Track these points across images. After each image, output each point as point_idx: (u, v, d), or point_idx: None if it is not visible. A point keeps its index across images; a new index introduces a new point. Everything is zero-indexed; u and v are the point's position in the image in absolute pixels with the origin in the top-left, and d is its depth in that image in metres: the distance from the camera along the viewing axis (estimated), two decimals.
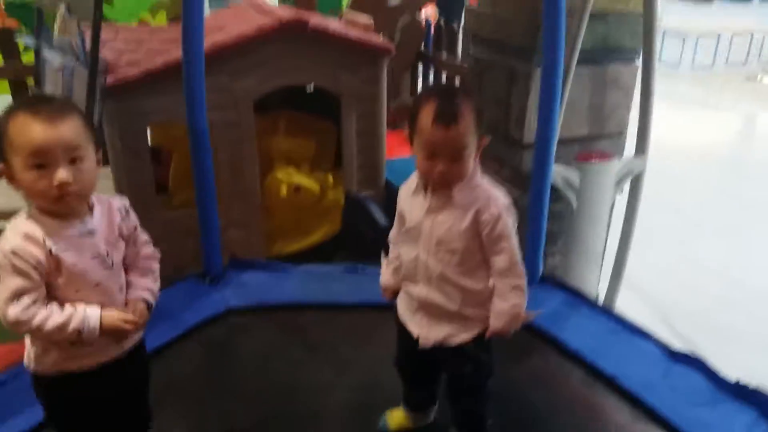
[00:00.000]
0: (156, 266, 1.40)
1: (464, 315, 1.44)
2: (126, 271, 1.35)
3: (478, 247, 1.39)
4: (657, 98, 2.52)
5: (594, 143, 2.64)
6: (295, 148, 2.83)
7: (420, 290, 1.46)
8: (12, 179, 1.17)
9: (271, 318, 2.21)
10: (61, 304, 1.20)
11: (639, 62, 2.54)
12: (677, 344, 2.04)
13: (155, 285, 1.38)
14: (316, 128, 3.01)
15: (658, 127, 2.62)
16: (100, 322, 1.22)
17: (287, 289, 2.35)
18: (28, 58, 3.43)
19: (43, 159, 1.14)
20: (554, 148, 2.20)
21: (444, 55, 4.02)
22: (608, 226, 2.63)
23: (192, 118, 2.14)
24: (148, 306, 1.34)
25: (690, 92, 7.55)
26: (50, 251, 1.17)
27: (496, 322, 1.42)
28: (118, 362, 1.33)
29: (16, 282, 1.15)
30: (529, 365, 2.00)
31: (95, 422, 1.34)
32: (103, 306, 1.24)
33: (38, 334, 1.19)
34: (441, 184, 1.38)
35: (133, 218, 1.36)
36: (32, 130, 1.13)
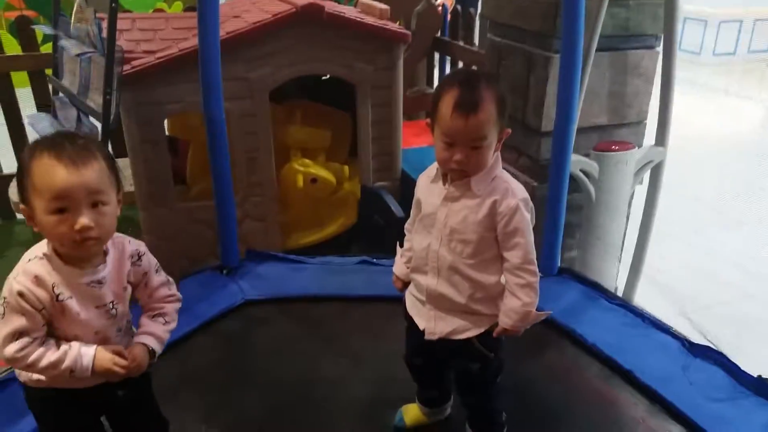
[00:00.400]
0: (170, 308, 1.35)
1: (472, 309, 1.42)
2: (142, 308, 1.35)
3: (492, 240, 1.37)
4: (677, 86, 2.48)
5: (614, 132, 2.61)
6: (311, 138, 2.82)
7: (429, 281, 1.44)
8: (32, 219, 1.16)
9: (287, 310, 2.22)
10: (58, 340, 1.20)
11: (660, 48, 2.49)
12: (696, 338, 2.02)
13: (164, 329, 1.32)
14: (332, 118, 2.99)
15: (679, 116, 2.57)
16: (93, 363, 1.19)
17: (303, 281, 2.36)
18: (45, 49, 3.45)
19: (65, 203, 1.12)
20: (573, 136, 2.17)
21: (461, 41, 3.97)
22: (627, 217, 2.60)
23: (208, 108, 2.14)
24: (152, 352, 1.29)
25: (711, 80, 7.41)
26: (57, 297, 1.17)
27: (505, 320, 1.39)
28: (115, 383, 1.28)
29: (18, 322, 1.15)
30: (545, 358, 1.99)
31: None
32: (81, 338, 1.22)
33: (32, 370, 1.19)
34: (459, 174, 1.36)
35: (146, 263, 1.31)
36: (55, 174, 1.11)
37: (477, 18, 3.92)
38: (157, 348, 1.30)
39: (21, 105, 3.51)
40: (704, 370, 1.86)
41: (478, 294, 1.41)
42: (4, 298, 1.16)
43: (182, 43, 2.44)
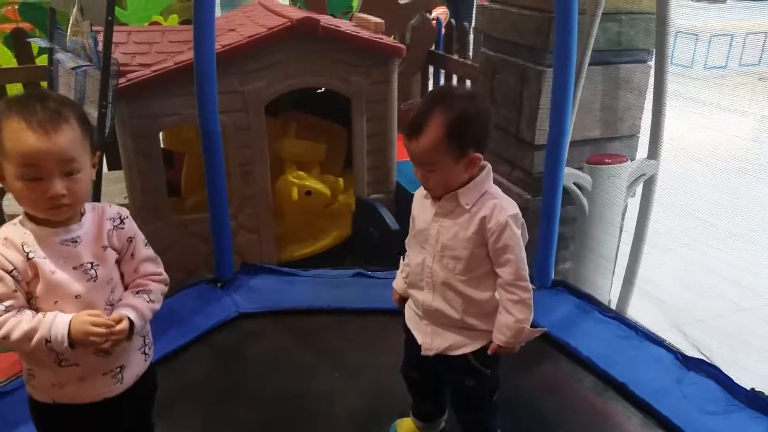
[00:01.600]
0: (156, 287, 1.27)
1: (468, 324, 1.42)
2: (126, 286, 1.26)
3: (484, 256, 1.37)
4: (669, 100, 2.50)
5: (606, 145, 2.62)
6: (306, 151, 2.83)
7: (425, 296, 1.45)
8: (3, 180, 1.11)
9: (281, 323, 2.21)
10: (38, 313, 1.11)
11: (652, 63, 2.51)
12: (690, 351, 2.02)
13: (147, 306, 1.22)
14: (327, 131, 3.00)
15: (671, 129, 2.59)
16: (69, 330, 1.09)
17: (297, 293, 2.35)
18: (41, 62, 3.45)
19: (35, 171, 1.07)
20: (566, 149, 2.19)
21: (455, 55, 4.00)
22: (620, 229, 2.61)
23: (204, 121, 2.14)
24: (131, 324, 1.17)
25: (702, 93, 7.46)
26: (28, 256, 1.10)
27: (499, 336, 1.39)
28: (119, 399, 1.22)
29: None
30: (539, 371, 1.99)
31: None
32: (60, 308, 1.13)
33: (7, 344, 1.09)
34: (428, 190, 1.39)
35: (130, 228, 1.25)
36: (25, 140, 1.06)
37: (471, 32, 3.95)
38: (137, 321, 1.18)
39: None
40: (698, 383, 1.86)
41: (472, 309, 1.41)
42: None
43: (178, 56, 2.45)
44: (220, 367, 2.01)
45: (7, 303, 1.09)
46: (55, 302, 1.13)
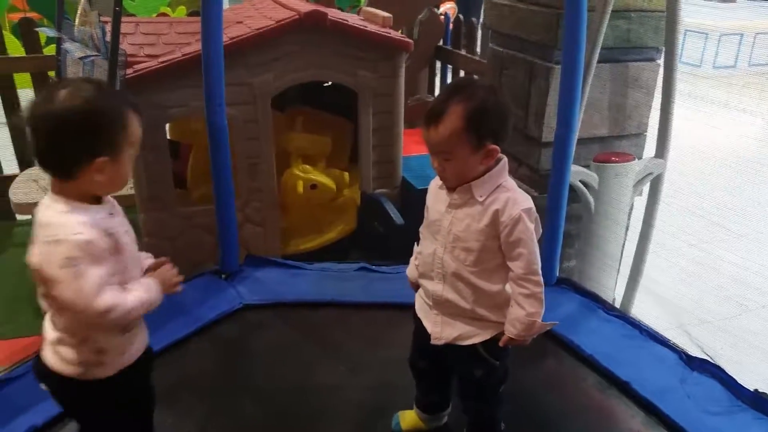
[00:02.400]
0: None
1: (478, 315, 1.42)
2: None
3: (496, 248, 1.37)
4: (677, 98, 2.48)
5: (614, 143, 2.61)
6: (312, 144, 2.83)
7: (435, 287, 1.45)
8: (100, 173, 1.17)
9: (285, 315, 2.22)
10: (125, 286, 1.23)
11: (661, 61, 2.50)
12: (694, 351, 2.02)
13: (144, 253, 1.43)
14: (333, 125, 3.00)
15: (678, 128, 2.58)
16: (157, 286, 1.27)
17: (302, 287, 2.36)
18: (48, 52, 3.46)
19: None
20: (573, 147, 2.18)
21: (463, 50, 3.99)
22: (626, 228, 2.60)
23: (211, 113, 2.14)
24: None
25: (711, 92, 7.42)
26: (107, 232, 1.19)
27: (511, 329, 1.39)
28: (148, 349, 1.38)
29: (99, 271, 1.15)
30: (543, 369, 1.99)
31: (141, 407, 1.41)
32: (135, 276, 1.27)
33: (123, 320, 1.20)
34: (443, 180, 1.40)
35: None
36: (140, 128, 1.24)
37: (479, 28, 3.94)
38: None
39: (22, 106, 3.51)
40: (702, 384, 1.86)
41: (482, 301, 1.41)
42: (69, 258, 1.12)
43: (185, 47, 2.45)
44: (224, 359, 2.02)
45: (112, 281, 1.18)
46: (126, 267, 1.24)
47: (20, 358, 1.90)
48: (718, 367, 1.89)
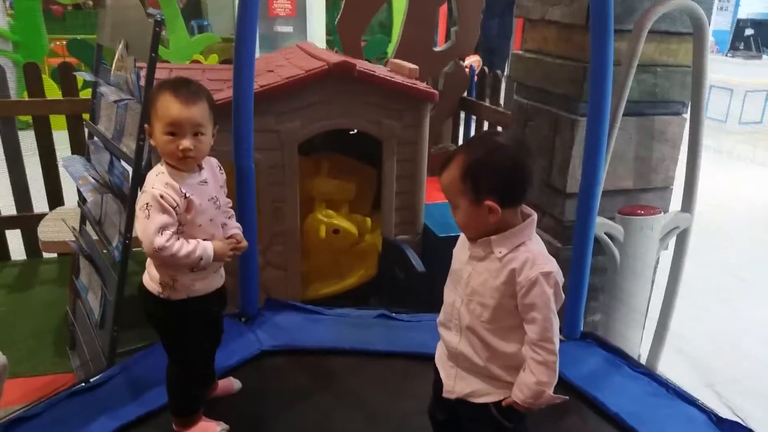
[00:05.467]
0: (232, 212, 1.79)
1: (492, 374, 1.38)
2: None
3: (513, 308, 1.32)
4: (704, 153, 2.47)
5: (639, 196, 2.59)
6: (336, 190, 2.85)
7: (452, 338, 1.42)
8: (151, 136, 1.57)
9: (303, 362, 2.19)
10: (186, 239, 1.57)
11: (687, 115, 2.50)
12: (724, 412, 1.94)
13: (238, 225, 1.78)
14: (357, 171, 3.03)
15: (704, 183, 2.56)
16: (214, 252, 1.61)
17: (320, 332, 2.33)
18: (85, 95, 3.58)
19: (175, 129, 1.53)
20: (598, 199, 2.16)
21: (487, 101, 4.04)
22: (652, 282, 2.55)
23: (239, 158, 2.18)
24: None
25: (737, 148, 7.39)
26: (185, 195, 1.55)
27: (518, 393, 1.34)
28: (219, 290, 1.75)
29: (162, 218, 1.52)
30: (566, 426, 1.92)
31: (205, 332, 1.78)
32: (213, 236, 1.65)
33: (173, 259, 1.54)
34: (459, 229, 1.40)
35: (223, 172, 1.74)
36: (171, 107, 1.52)
37: (503, 80, 4.00)
38: (241, 232, 1.76)
39: (57, 147, 3.62)
40: None
41: (497, 359, 1.37)
42: (147, 204, 1.52)
43: (217, 94, 2.51)
44: (239, 405, 1.99)
45: (172, 230, 1.54)
46: (199, 225, 1.61)
47: (36, 397, 1.90)
48: (750, 430, 1.81)
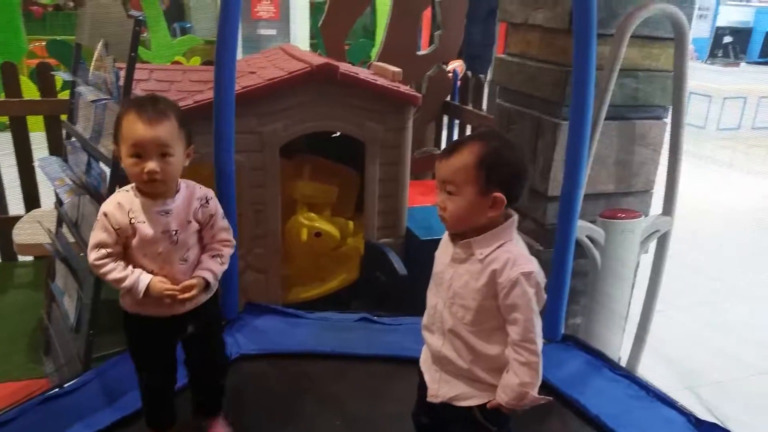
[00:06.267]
0: (226, 251, 1.65)
1: (476, 376, 1.37)
2: (202, 250, 1.62)
3: (495, 309, 1.32)
4: (683, 158, 2.49)
5: (620, 200, 2.61)
6: (318, 193, 2.83)
7: (435, 341, 1.41)
8: (118, 159, 1.51)
9: (283, 366, 2.17)
10: (129, 264, 1.51)
11: (668, 120, 2.52)
12: (703, 414, 1.95)
13: (220, 267, 1.62)
14: (339, 174, 3.01)
15: (685, 187, 2.58)
16: (147, 289, 1.49)
17: (301, 336, 2.31)
18: (63, 96, 3.52)
19: (139, 151, 1.45)
20: (580, 202, 2.17)
21: (470, 105, 4.04)
22: (633, 285, 2.57)
23: (219, 160, 2.15)
24: (207, 283, 1.59)
25: (716, 153, 7.50)
26: (131, 220, 1.49)
27: (501, 395, 1.33)
28: (183, 316, 1.60)
29: (100, 236, 1.49)
30: (547, 428, 1.92)
31: (159, 355, 1.66)
32: (161, 270, 1.53)
33: (104, 279, 1.50)
34: (442, 220, 1.37)
35: (213, 207, 1.62)
36: (135, 127, 1.44)
37: (486, 84, 4.01)
38: (211, 280, 1.59)
39: (33, 148, 3.56)
40: None
41: (480, 362, 1.36)
42: (98, 218, 1.49)
43: (197, 95, 2.48)
44: None
45: (108, 250, 1.49)
46: (144, 255, 1.52)
47: (9, 402, 1.85)
48: None
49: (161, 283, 1.51)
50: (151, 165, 1.44)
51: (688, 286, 3.77)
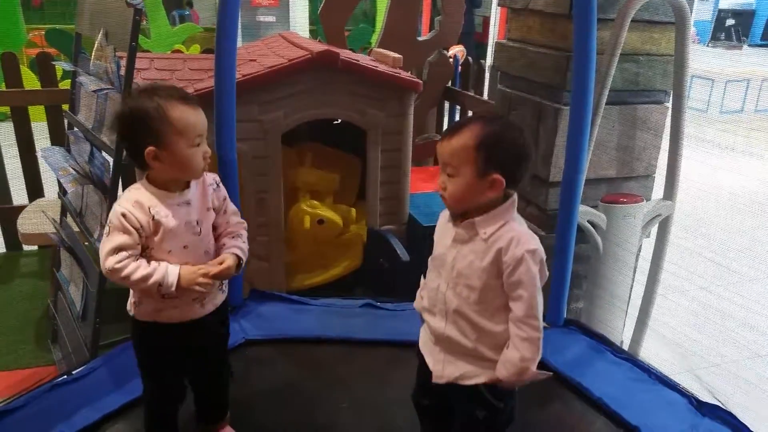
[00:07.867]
0: (244, 232, 1.61)
1: (481, 354, 1.38)
2: (218, 238, 1.57)
3: (499, 288, 1.34)
4: (685, 141, 2.49)
5: (622, 184, 2.61)
6: (320, 180, 2.84)
7: (438, 323, 1.42)
8: (158, 159, 1.40)
9: (288, 352, 2.19)
10: (149, 261, 1.42)
11: (669, 104, 2.52)
12: (705, 396, 1.97)
13: (245, 245, 1.58)
14: (341, 161, 3.02)
15: (686, 171, 2.58)
16: (179, 279, 1.42)
17: (306, 322, 2.33)
18: (64, 86, 3.53)
19: (201, 139, 1.43)
20: (581, 187, 2.18)
21: (471, 91, 4.04)
22: (634, 270, 2.58)
23: (221, 148, 2.16)
24: (239, 261, 1.53)
25: (718, 136, 7.47)
26: (153, 217, 1.41)
27: (501, 370, 1.35)
28: (200, 320, 1.54)
29: (119, 239, 1.39)
30: (550, 411, 1.94)
31: (174, 366, 1.59)
32: (186, 264, 1.45)
33: (127, 282, 1.40)
34: (443, 200, 1.38)
35: (223, 190, 1.59)
36: (190, 116, 1.40)
37: (487, 70, 4.00)
38: (242, 255, 1.55)
39: (36, 138, 3.57)
40: (713, 430, 1.81)
41: (485, 340, 1.38)
42: (110, 221, 1.40)
43: (198, 83, 2.49)
44: None
45: (130, 251, 1.40)
46: (168, 252, 1.45)
47: (19, 390, 1.88)
48: (730, 414, 1.84)
49: (192, 272, 1.44)
50: (208, 148, 1.45)
51: (690, 270, 3.78)
